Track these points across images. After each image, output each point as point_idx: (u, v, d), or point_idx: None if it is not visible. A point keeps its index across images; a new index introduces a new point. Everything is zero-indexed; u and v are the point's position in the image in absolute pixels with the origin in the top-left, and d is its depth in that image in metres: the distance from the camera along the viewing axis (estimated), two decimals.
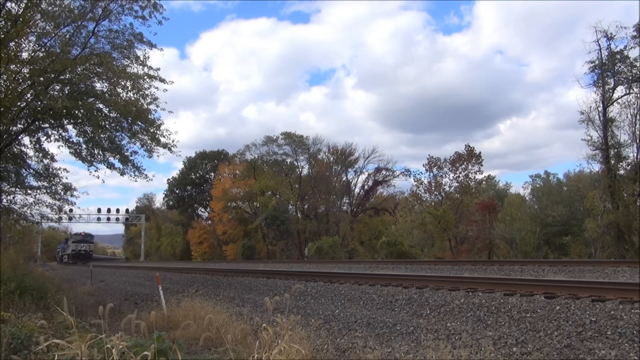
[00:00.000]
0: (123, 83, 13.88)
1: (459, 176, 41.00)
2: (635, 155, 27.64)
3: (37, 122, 14.53)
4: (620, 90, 28.27)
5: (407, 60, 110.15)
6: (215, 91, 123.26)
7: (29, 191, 16.12)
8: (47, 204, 16.45)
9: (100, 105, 14.63)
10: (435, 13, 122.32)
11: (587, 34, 47.63)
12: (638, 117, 27.43)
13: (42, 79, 12.83)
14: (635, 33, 26.71)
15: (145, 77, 14.24)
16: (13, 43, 12.18)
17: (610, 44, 27.97)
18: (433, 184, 41.74)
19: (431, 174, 41.85)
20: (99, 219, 64.86)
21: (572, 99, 69.37)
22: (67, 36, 13.42)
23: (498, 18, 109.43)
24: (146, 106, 14.40)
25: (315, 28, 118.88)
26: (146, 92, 14.32)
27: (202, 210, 71.79)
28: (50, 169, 15.87)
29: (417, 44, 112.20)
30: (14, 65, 12.33)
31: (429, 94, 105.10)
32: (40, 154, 15.44)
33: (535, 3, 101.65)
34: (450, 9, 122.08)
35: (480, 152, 41.37)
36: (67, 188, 15.84)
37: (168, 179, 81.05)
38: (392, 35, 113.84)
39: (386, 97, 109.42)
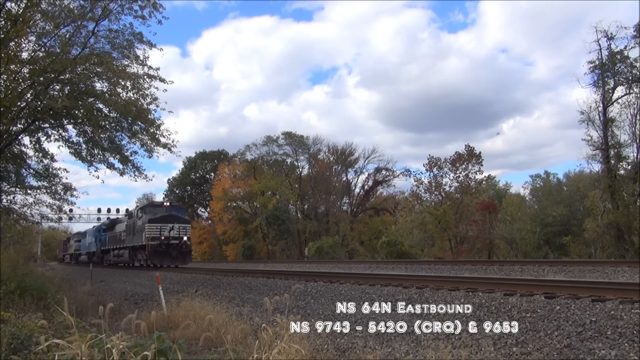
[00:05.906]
0: (123, 83, 13.92)
1: (459, 176, 41.05)
2: (635, 155, 27.66)
3: (37, 122, 14.55)
4: (620, 90, 28.30)
5: (411, 59, 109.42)
6: (216, 90, 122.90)
7: (29, 191, 16.18)
8: (47, 204, 16.51)
9: (100, 105, 14.67)
10: (439, 11, 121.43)
11: (588, 34, 47.69)
12: (638, 117, 27.44)
13: (42, 79, 12.85)
14: (635, 33, 26.72)
15: (145, 77, 14.29)
16: (13, 43, 12.20)
17: (610, 44, 28.00)
18: (433, 183, 41.77)
19: (431, 173, 41.90)
20: (99, 218, 64.58)
21: (576, 99, 69.12)
22: (67, 36, 13.45)
23: (503, 15, 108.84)
24: (146, 106, 14.46)
25: (318, 26, 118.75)
26: (146, 92, 14.39)
27: (202, 210, 71.81)
28: (50, 169, 15.92)
29: (421, 42, 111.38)
30: (14, 65, 12.36)
31: (432, 92, 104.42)
32: (40, 154, 15.50)
33: (540, 1, 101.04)
34: (455, 6, 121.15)
35: (480, 152, 41.49)
36: (67, 188, 15.88)
37: (168, 179, 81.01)
38: (396, 33, 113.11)
39: (388, 95, 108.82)
